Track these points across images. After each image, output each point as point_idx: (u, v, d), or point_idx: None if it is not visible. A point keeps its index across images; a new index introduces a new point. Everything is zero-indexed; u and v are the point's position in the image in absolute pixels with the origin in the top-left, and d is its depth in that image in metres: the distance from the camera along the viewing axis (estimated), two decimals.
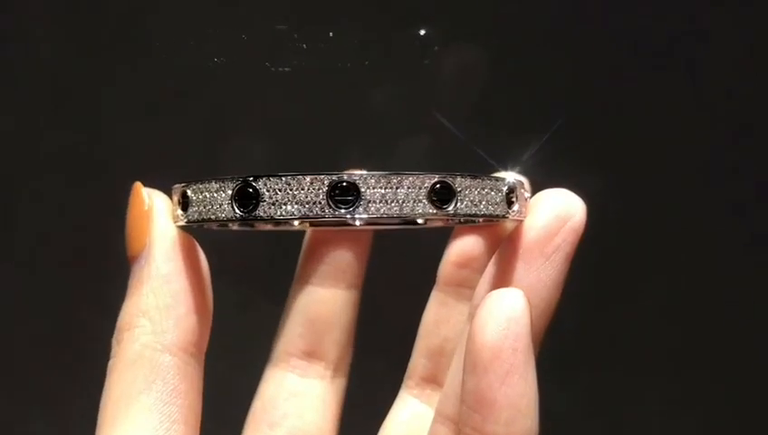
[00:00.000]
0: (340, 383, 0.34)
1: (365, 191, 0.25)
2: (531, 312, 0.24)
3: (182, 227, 0.28)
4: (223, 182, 0.26)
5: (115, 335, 0.28)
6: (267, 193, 0.25)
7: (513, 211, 0.27)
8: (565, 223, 0.26)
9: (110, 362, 0.28)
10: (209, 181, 0.26)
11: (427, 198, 0.25)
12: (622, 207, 0.48)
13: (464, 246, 0.32)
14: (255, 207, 0.25)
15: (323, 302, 0.33)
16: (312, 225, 0.32)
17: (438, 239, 0.33)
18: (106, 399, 0.27)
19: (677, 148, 0.48)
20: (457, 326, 0.32)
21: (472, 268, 0.31)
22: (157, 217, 0.28)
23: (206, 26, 0.43)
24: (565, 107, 0.47)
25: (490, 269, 0.28)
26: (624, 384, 0.51)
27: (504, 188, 0.26)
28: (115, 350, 0.28)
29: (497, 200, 0.26)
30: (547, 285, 0.26)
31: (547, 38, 0.47)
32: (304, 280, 0.33)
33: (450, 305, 0.32)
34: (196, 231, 0.29)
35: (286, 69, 0.41)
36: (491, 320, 0.24)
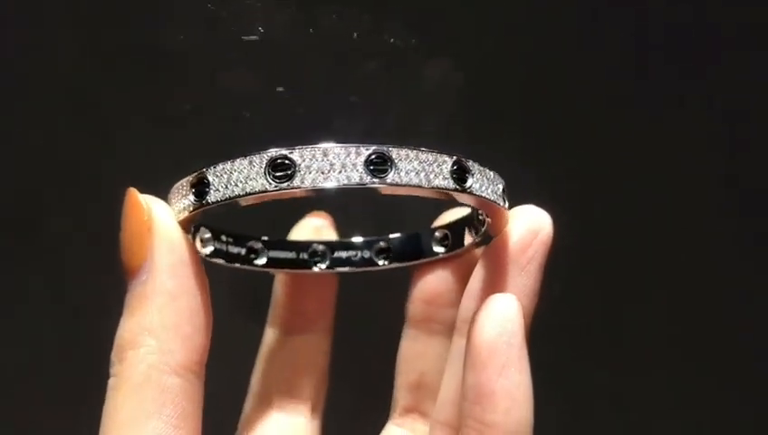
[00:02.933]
0: (319, 420, 0.34)
1: (398, 163, 0.25)
2: (522, 313, 0.27)
3: (193, 215, 0.26)
4: (253, 157, 0.25)
5: (116, 353, 0.26)
6: (304, 162, 0.25)
7: (506, 208, 0.29)
8: (536, 236, 0.29)
9: (112, 381, 0.26)
10: (234, 160, 0.26)
11: (449, 175, 0.26)
12: (621, 207, 0.49)
13: (429, 284, 0.33)
14: (291, 177, 0.25)
15: (298, 349, 0.34)
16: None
17: (403, 278, 0.34)
18: (110, 421, 0.25)
19: (677, 147, 0.50)
20: (433, 360, 0.33)
21: (438, 304, 0.33)
22: (159, 227, 0.26)
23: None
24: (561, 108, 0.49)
25: (473, 283, 0.30)
26: (623, 385, 0.51)
27: (501, 185, 0.28)
28: (117, 368, 0.26)
29: (498, 192, 0.28)
30: (525, 293, 0.29)
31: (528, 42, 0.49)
32: (278, 327, 0.34)
33: (422, 341, 0.33)
34: None
35: (253, 37, 0.41)
36: (488, 320, 0.26)
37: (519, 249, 0.29)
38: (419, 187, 0.26)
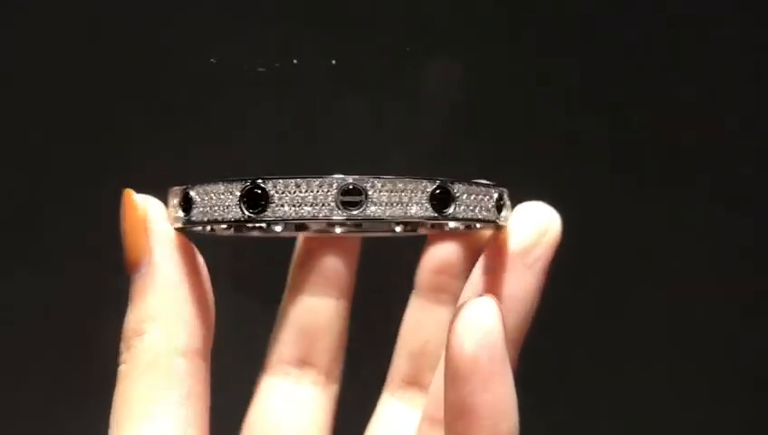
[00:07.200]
0: (333, 390, 0.34)
1: (372, 194, 0.25)
2: (503, 320, 0.25)
3: (182, 229, 0.28)
4: (230, 183, 0.26)
5: (123, 342, 0.27)
6: (276, 195, 0.25)
7: (503, 217, 0.28)
8: (544, 235, 0.28)
9: (122, 368, 0.27)
10: (216, 183, 0.26)
11: (428, 202, 0.26)
12: (621, 207, 0.50)
13: (440, 253, 0.33)
14: (264, 208, 0.25)
15: (315, 311, 0.34)
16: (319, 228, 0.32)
17: (416, 245, 0.34)
18: (120, 404, 0.27)
19: (676, 145, 0.50)
20: (437, 328, 0.33)
21: (449, 274, 0.33)
22: (154, 222, 0.28)
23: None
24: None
25: (475, 276, 0.29)
26: (622, 386, 0.52)
27: (495, 195, 0.28)
28: (125, 356, 0.27)
29: (489, 206, 0.27)
30: (528, 291, 0.28)
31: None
32: (296, 289, 0.34)
33: (429, 309, 0.33)
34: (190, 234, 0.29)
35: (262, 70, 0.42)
36: (467, 333, 0.25)
37: (523, 250, 0.28)
38: (392, 219, 0.26)
